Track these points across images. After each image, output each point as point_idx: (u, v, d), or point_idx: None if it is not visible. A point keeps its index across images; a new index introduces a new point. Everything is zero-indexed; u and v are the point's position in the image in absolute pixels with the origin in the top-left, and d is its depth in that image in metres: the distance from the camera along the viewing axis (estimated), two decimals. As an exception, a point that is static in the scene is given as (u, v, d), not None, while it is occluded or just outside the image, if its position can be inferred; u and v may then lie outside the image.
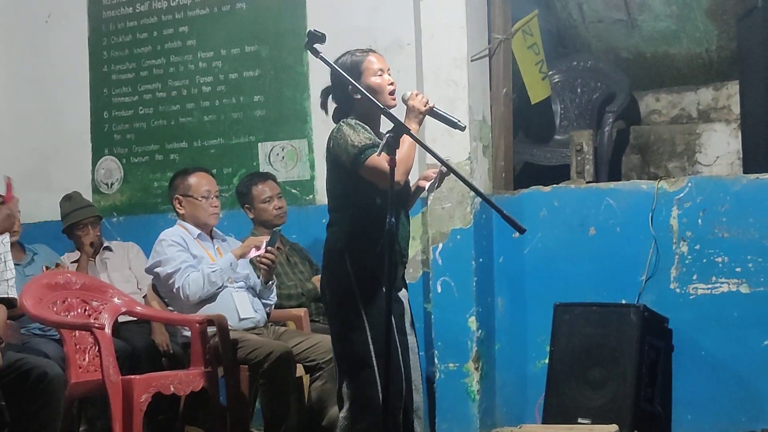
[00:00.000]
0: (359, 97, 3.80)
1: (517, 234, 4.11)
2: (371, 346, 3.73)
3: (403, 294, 3.97)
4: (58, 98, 6.85)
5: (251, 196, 5.52)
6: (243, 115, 6.32)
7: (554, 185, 5.62)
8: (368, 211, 3.79)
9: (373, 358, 3.72)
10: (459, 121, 3.76)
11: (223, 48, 6.39)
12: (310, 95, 6.06)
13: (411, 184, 4.01)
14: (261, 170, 6.04)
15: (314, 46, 3.69)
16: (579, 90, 6.92)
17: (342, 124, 3.81)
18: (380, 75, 3.86)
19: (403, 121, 3.63)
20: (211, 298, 5.02)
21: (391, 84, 3.87)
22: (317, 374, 4.92)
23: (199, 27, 6.46)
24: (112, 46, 6.73)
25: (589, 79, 6.88)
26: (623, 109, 6.68)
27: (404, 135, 3.62)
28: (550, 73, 6.58)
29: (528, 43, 5.88)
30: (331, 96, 3.95)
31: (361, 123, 3.81)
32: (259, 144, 6.26)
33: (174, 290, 5.01)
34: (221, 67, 6.39)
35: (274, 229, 5.17)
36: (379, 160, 3.64)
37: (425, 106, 3.74)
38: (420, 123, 3.76)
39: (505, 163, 5.82)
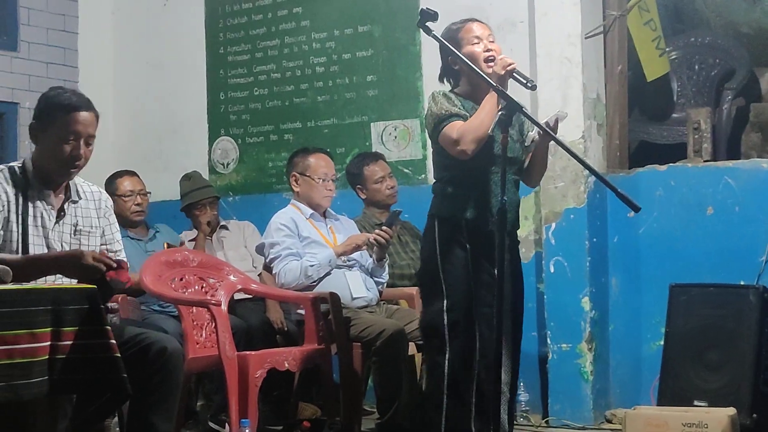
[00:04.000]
0: (457, 67, 3.87)
1: (632, 213, 4.05)
2: (445, 314, 3.78)
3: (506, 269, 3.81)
4: (176, 80, 6.99)
5: (363, 177, 5.54)
6: (356, 95, 6.36)
7: (671, 164, 5.52)
8: (461, 181, 3.85)
9: (445, 326, 3.78)
10: (531, 81, 3.71)
11: (336, 28, 6.43)
12: (422, 74, 6.06)
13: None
14: (373, 150, 6.07)
15: (426, 24, 3.69)
16: (697, 67, 6.76)
17: (431, 95, 3.90)
18: (476, 43, 3.86)
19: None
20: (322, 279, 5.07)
21: (488, 51, 3.85)
22: (429, 352, 4.92)
23: (313, 8, 6.51)
24: (228, 28, 6.83)
25: (707, 56, 6.72)
26: (743, 86, 6.51)
27: (485, 101, 3.69)
28: (667, 49, 6.44)
29: (644, 19, 5.77)
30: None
31: (448, 93, 3.87)
32: (372, 124, 6.29)
33: (272, 274, 5.10)
34: (334, 48, 6.44)
35: (394, 210, 5.19)
36: (451, 128, 3.73)
37: (505, 69, 3.71)
38: (504, 87, 3.71)
39: (620, 141, 5.73)
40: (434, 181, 4.01)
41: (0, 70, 6.70)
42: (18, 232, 3.58)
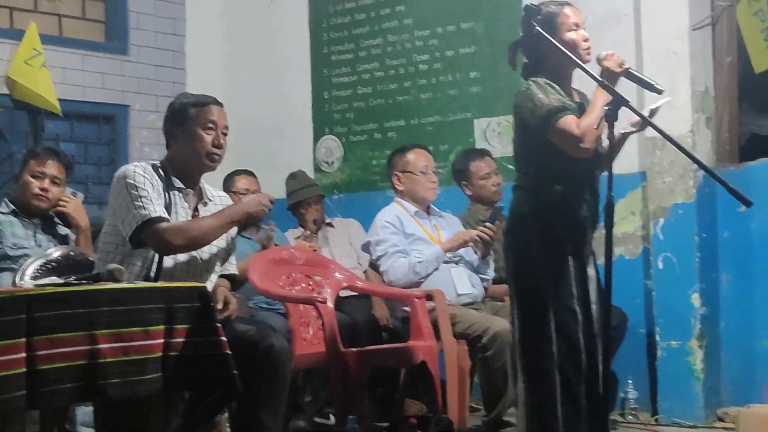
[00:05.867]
0: (549, 52, 3.67)
1: (743, 208, 3.96)
2: (550, 316, 3.59)
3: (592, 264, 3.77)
4: (281, 80, 7.09)
5: (469, 173, 5.54)
6: (459, 92, 6.36)
7: (784, 157, 5.40)
8: (555, 175, 3.67)
9: (552, 330, 3.58)
10: (656, 83, 3.55)
11: (439, 26, 6.44)
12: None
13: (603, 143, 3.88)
14: (477, 146, 6.06)
15: (531, 20, 3.66)
16: (810, 57, 6.57)
17: (530, 83, 3.67)
18: (575, 30, 3.68)
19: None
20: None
21: (586, 40, 3.69)
22: (535, 350, 4.88)
23: (416, 6, 6.53)
24: (332, 28, 6.90)
25: (821, 46, 6.52)
26: None
27: (596, 97, 3.54)
28: (778, 40, 6.29)
29: (753, 9, 5.64)
30: (522, 50, 3.81)
31: (550, 82, 3.66)
32: (475, 120, 6.28)
33: (380, 272, 5.12)
34: (437, 45, 6.44)
35: (496, 206, 5.18)
36: (569, 124, 3.53)
37: (620, 68, 3.54)
38: (614, 85, 3.52)
39: (730, 134, 5.63)
40: (518, 174, 3.81)
41: (111, 74, 6.87)
42: None
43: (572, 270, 3.63)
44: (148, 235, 3.66)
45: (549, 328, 3.59)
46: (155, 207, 3.68)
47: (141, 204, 3.67)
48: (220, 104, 3.92)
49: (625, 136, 3.73)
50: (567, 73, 3.76)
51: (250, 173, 5.94)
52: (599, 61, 3.59)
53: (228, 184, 5.85)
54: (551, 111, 3.57)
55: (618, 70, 3.54)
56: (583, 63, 3.63)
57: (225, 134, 3.87)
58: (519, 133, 3.80)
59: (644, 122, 3.62)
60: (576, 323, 3.57)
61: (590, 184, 3.75)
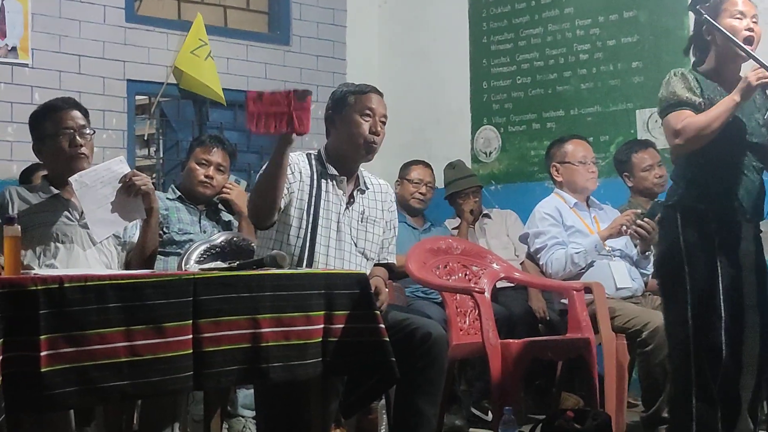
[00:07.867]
0: (710, 38, 3.65)
1: None
2: (689, 311, 3.55)
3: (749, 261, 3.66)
4: (440, 70, 7.10)
5: (631, 164, 5.44)
6: (620, 82, 6.25)
7: None
8: (702, 167, 3.60)
9: (690, 323, 3.55)
10: None
11: (600, 15, 6.34)
12: (690, 60, 5.85)
13: None
14: (639, 138, 5.95)
15: (698, 7, 3.58)
16: None
17: (671, 73, 3.67)
18: (738, 18, 3.61)
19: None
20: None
21: (749, 30, 3.60)
22: (697, 346, 4.77)
23: (577, -6, 6.46)
24: (491, 17, 6.87)
25: None
26: None
27: (722, 101, 3.50)
28: None
29: None
30: (694, 40, 3.81)
31: (688, 75, 3.63)
32: (637, 111, 6.16)
33: (539, 264, 5.09)
34: (599, 34, 6.35)
35: (655, 201, 5.08)
36: (675, 118, 3.53)
37: (757, 81, 3.44)
38: (746, 97, 3.48)
39: None
40: (674, 167, 3.80)
41: (274, 64, 7.01)
42: (311, 213, 3.79)
43: (719, 265, 3.55)
44: None
45: (687, 321, 3.56)
46: None
47: None
48: (379, 93, 3.96)
49: None
50: (731, 66, 3.70)
51: (426, 164, 6.04)
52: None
53: (403, 172, 6.01)
54: (667, 103, 3.60)
55: (754, 83, 3.46)
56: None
57: (383, 123, 3.91)
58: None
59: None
60: (717, 319, 3.49)
61: (750, 177, 3.65)
